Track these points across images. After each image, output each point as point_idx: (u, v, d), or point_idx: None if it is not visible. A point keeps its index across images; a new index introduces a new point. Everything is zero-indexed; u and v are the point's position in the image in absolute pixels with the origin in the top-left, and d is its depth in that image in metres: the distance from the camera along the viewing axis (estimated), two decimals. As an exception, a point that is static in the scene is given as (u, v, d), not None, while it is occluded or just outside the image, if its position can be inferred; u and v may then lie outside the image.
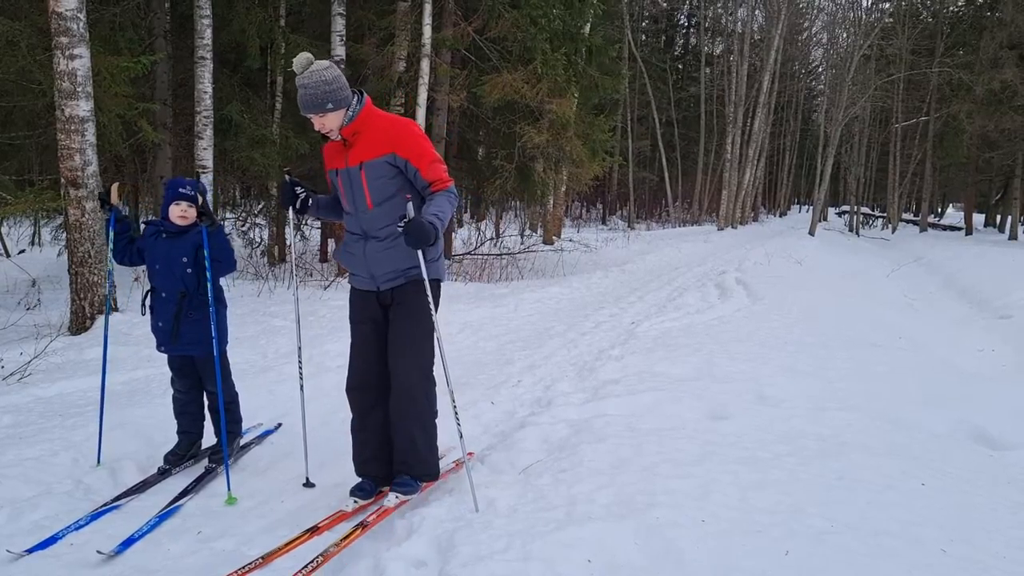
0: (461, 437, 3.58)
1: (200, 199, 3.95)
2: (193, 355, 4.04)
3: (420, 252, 3.36)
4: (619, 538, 3.02)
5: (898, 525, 3.15)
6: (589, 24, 14.76)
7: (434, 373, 3.61)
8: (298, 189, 3.59)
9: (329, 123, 3.34)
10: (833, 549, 2.94)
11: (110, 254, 4.05)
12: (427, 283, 3.43)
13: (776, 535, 3.04)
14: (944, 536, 3.07)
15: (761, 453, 3.98)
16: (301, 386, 3.94)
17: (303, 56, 3.27)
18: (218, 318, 3.96)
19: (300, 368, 3.98)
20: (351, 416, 3.71)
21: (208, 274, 3.87)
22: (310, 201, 3.64)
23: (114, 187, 4.00)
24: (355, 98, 3.40)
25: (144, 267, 4.11)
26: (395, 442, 3.58)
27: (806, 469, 3.75)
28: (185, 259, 3.91)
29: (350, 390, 3.69)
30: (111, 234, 4.00)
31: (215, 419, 4.15)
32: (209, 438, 4.26)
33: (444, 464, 3.97)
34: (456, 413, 3.58)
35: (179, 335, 3.95)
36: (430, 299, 3.47)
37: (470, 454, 3.84)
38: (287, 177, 3.60)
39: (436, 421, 3.68)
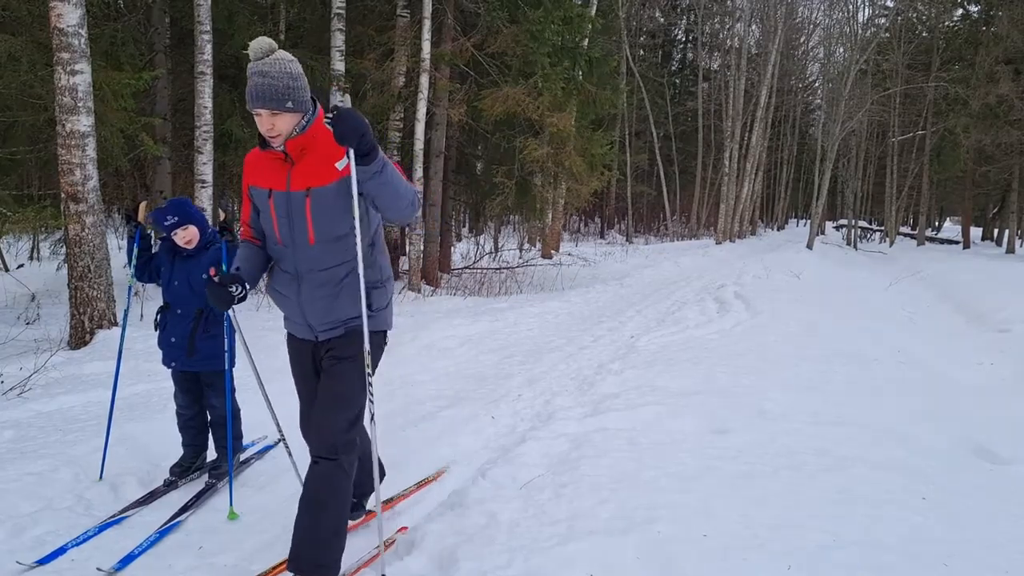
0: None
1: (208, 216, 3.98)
2: (203, 370, 4.05)
3: (364, 294, 2.85)
4: (621, 553, 3.02)
5: (899, 540, 3.16)
6: (587, 39, 14.86)
7: (358, 438, 3.05)
8: (233, 288, 2.94)
9: (281, 125, 2.74)
10: (835, 564, 2.95)
11: (132, 271, 4.07)
12: (369, 335, 2.90)
13: (777, 550, 3.04)
14: (945, 551, 3.07)
15: (762, 467, 3.98)
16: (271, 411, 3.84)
17: (264, 40, 2.72)
18: (232, 333, 3.98)
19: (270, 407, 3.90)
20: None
21: None
22: (247, 288, 3.00)
23: (142, 205, 4.05)
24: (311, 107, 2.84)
25: (148, 283, 4.15)
26: (298, 514, 2.88)
27: (807, 483, 3.76)
28: (205, 276, 3.92)
29: (306, 438, 3.16)
30: (135, 251, 4.02)
31: (217, 434, 4.16)
32: (209, 453, 4.27)
33: (366, 548, 3.34)
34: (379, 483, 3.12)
35: (195, 351, 3.96)
36: (368, 352, 2.90)
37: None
38: (215, 278, 2.95)
39: (350, 500, 3.08)
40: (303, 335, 3.10)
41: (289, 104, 2.70)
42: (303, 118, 2.78)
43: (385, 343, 3.17)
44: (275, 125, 2.73)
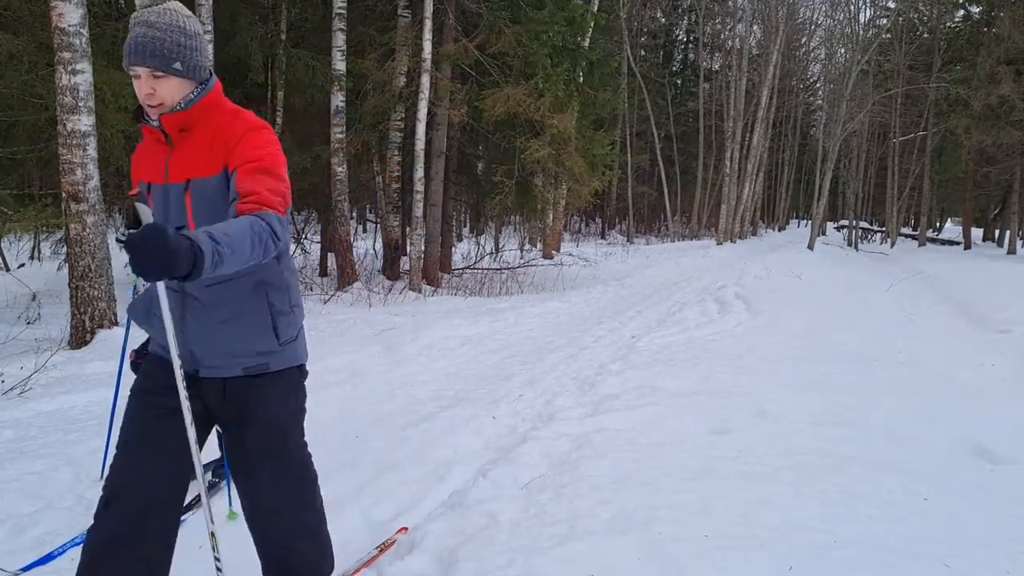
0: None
1: None
2: None
3: (272, 327, 2.32)
4: (621, 553, 3.02)
5: (900, 540, 3.16)
6: (588, 39, 14.86)
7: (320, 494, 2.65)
8: None
9: (164, 91, 2.15)
10: (836, 564, 2.94)
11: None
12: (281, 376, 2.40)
13: (779, 550, 3.03)
14: (946, 551, 3.07)
15: (762, 468, 3.98)
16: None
17: None
18: None
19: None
20: (85, 542, 2.28)
21: None
22: None
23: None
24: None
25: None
26: None
27: (807, 484, 3.75)
28: None
29: (107, 503, 2.26)
30: None
31: (219, 432, 4.15)
32: (212, 452, 4.25)
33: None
34: None
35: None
36: (295, 401, 2.46)
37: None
38: None
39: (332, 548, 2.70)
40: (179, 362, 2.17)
41: (177, 66, 2.14)
42: (193, 89, 2.22)
43: (304, 378, 2.51)
44: (156, 90, 2.15)
